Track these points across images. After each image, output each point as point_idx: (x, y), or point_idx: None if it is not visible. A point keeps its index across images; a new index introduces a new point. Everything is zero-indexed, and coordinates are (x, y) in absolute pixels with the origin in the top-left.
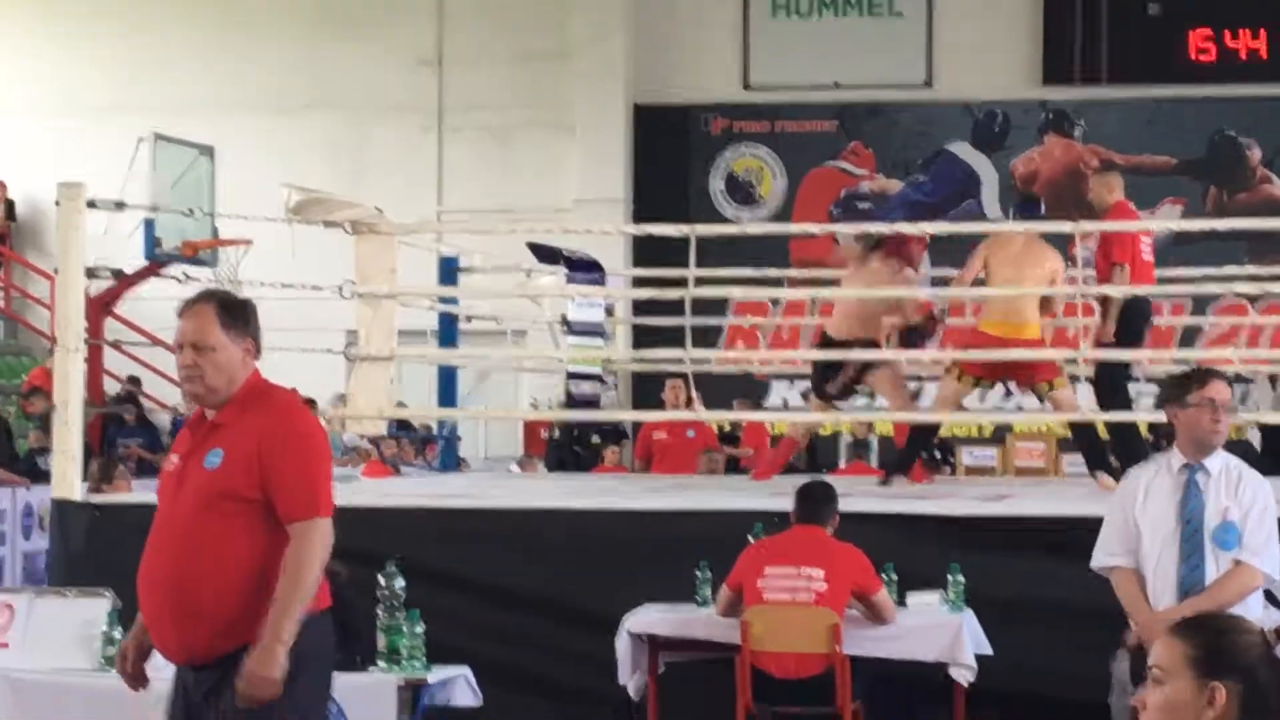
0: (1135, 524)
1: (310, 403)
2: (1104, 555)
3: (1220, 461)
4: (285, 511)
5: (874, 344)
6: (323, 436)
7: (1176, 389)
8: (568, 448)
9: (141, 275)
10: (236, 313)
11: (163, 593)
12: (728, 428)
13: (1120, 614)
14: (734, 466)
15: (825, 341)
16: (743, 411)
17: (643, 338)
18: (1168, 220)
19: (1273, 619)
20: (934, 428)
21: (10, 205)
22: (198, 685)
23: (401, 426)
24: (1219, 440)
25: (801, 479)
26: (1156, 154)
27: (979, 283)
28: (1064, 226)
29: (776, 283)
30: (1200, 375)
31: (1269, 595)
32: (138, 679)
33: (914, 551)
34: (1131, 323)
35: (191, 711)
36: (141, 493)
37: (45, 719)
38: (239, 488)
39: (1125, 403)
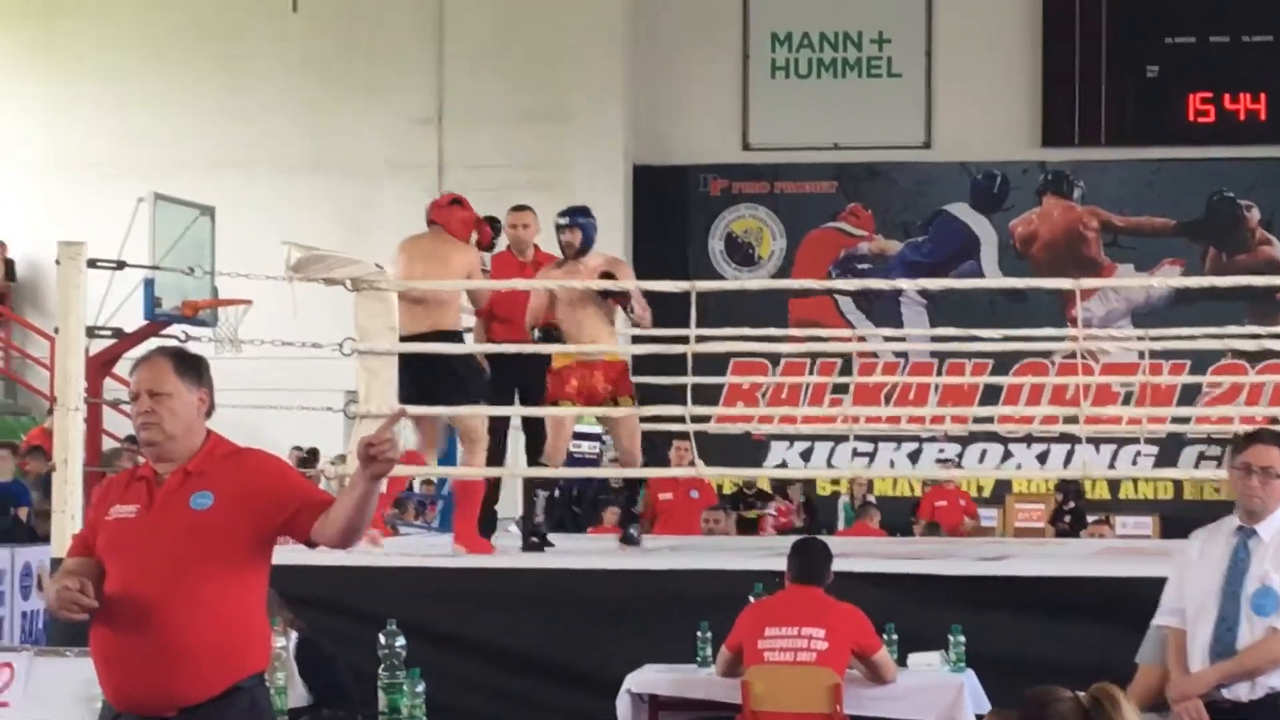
0: (1184, 585)
1: (311, 454)
2: (1159, 614)
3: (1276, 527)
4: (317, 510)
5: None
6: None
7: (1229, 452)
8: (567, 507)
9: (141, 335)
10: (190, 364)
11: (148, 636)
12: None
13: (1122, 674)
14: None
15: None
16: (747, 470)
17: (642, 397)
18: (1168, 279)
19: None
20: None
21: (10, 265)
22: None
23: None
24: (1259, 505)
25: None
26: (1156, 215)
27: None
28: (1063, 283)
29: (777, 340)
30: (1244, 439)
31: None
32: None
33: (915, 611)
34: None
35: None
36: None
37: None
38: (234, 529)
39: None
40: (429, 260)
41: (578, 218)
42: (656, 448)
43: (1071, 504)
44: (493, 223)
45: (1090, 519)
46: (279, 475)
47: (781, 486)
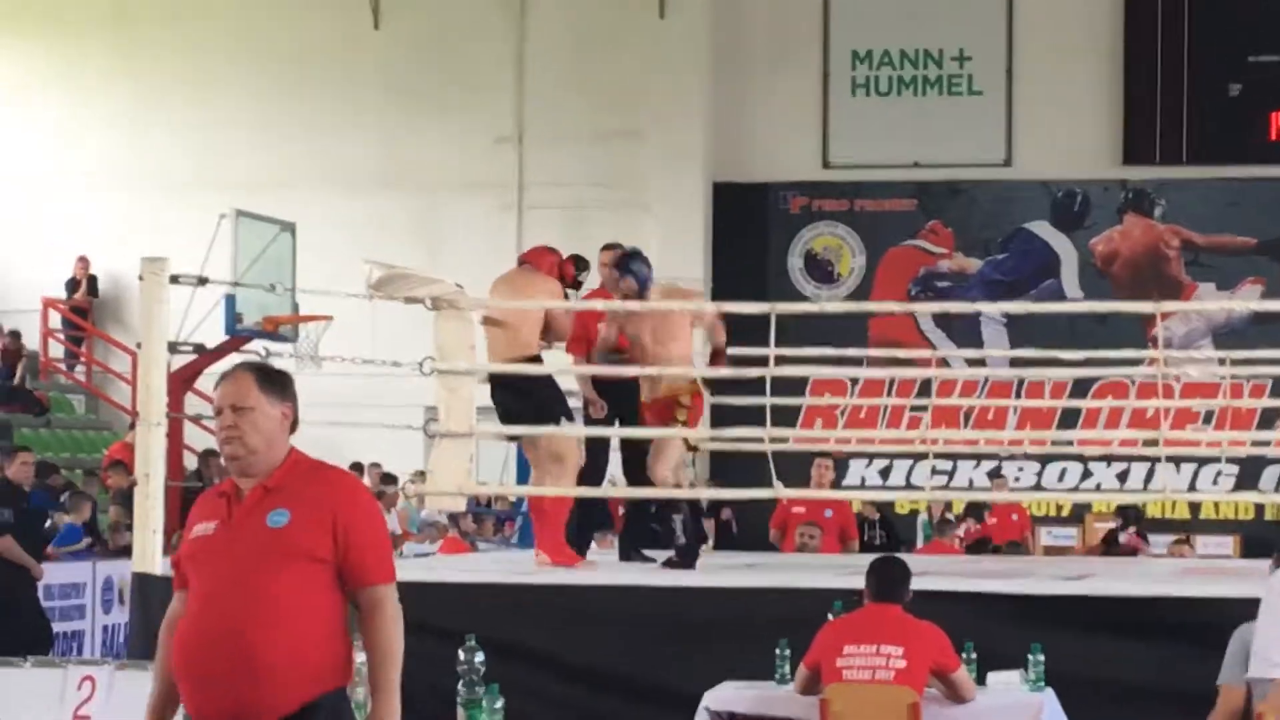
0: None
1: (390, 478)
2: (1264, 664)
3: None
4: (363, 575)
5: None
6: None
7: None
8: (648, 526)
9: (223, 350)
10: (274, 379)
11: (225, 651)
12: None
13: (1203, 695)
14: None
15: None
16: (827, 492)
17: (720, 417)
18: (1249, 300)
19: None
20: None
21: (92, 281)
22: None
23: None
24: None
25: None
26: (1237, 234)
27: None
28: (1144, 307)
29: (855, 362)
30: None
31: None
32: None
33: (994, 631)
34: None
35: None
36: None
37: None
38: (310, 546)
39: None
40: (512, 293)
41: (629, 265)
42: (732, 470)
43: (1132, 529)
44: (578, 262)
45: (1170, 539)
46: (360, 522)
47: (975, 507)
